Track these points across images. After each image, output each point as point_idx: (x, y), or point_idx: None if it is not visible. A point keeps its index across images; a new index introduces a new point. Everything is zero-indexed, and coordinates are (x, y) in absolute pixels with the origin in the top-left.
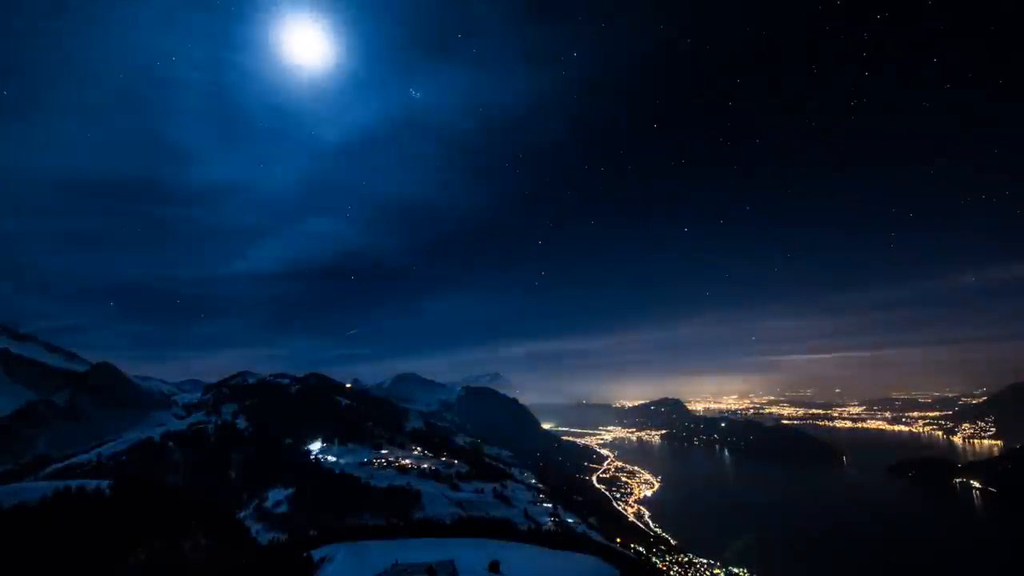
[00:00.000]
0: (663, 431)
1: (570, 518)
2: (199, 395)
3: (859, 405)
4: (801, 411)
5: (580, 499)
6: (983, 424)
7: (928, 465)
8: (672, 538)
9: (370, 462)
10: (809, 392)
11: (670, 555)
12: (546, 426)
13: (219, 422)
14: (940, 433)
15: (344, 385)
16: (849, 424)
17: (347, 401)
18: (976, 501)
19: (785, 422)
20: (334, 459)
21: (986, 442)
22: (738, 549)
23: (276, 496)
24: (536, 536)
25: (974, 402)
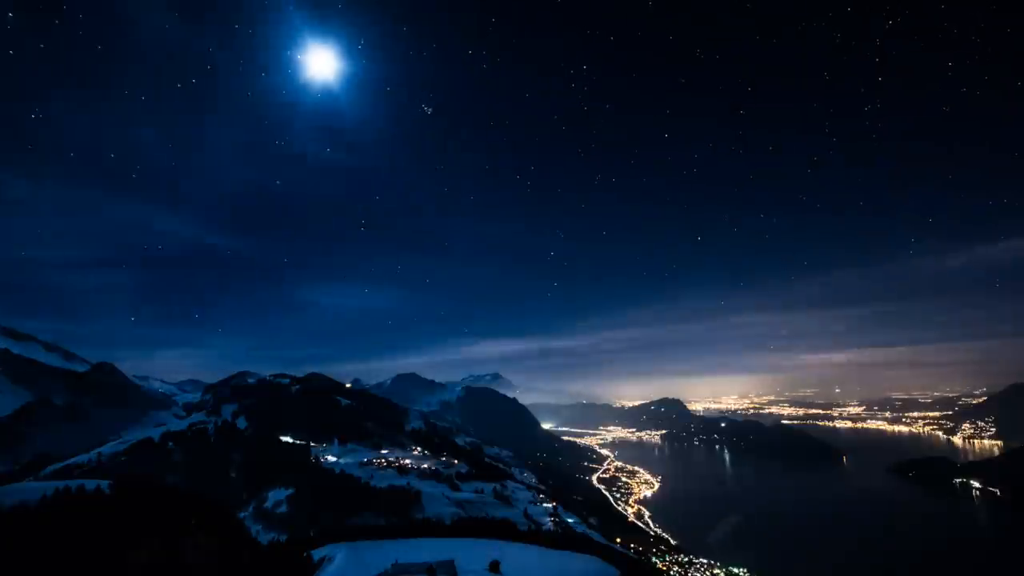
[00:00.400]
0: (663, 431)
1: (570, 518)
2: (199, 395)
3: (859, 405)
4: (801, 411)
5: (580, 499)
6: (983, 424)
7: (928, 465)
8: (672, 538)
9: (370, 462)
10: (809, 392)
11: (670, 555)
12: (546, 426)
13: (219, 422)
14: (940, 433)
15: (344, 385)
16: (849, 424)
17: (347, 401)
18: (976, 501)
19: (785, 422)
20: (334, 459)
21: (986, 442)
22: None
23: (276, 496)
24: (536, 536)
25: (974, 402)
